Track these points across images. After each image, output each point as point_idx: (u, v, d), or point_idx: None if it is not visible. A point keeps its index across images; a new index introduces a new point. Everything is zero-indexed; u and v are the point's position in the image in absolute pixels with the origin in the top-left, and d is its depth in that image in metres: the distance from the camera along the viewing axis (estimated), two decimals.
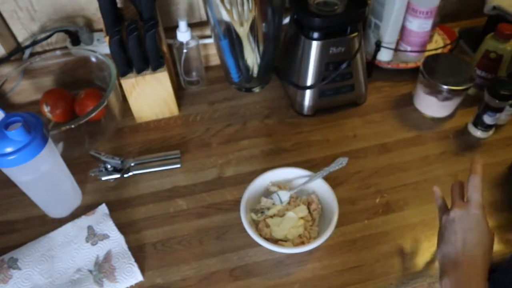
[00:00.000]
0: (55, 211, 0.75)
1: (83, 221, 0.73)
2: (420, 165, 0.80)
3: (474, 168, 0.62)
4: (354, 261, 0.68)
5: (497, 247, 0.68)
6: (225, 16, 0.81)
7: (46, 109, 0.85)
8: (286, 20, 0.91)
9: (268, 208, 0.71)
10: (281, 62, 0.93)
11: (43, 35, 0.90)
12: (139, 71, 0.82)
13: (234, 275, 0.67)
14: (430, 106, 0.87)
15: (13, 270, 0.67)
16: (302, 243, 0.67)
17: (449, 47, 0.99)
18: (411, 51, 0.96)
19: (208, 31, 0.96)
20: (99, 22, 0.93)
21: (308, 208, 0.71)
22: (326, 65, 0.83)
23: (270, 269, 0.67)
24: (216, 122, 0.90)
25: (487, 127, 0.83)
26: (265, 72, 0.93)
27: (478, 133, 0.84)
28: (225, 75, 0.97)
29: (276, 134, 0.87)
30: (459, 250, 0.58)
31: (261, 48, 0.87)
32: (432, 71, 0.84)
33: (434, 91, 0.84)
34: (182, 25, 0.86)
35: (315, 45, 0.81)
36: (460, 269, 0.56)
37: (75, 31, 0.90)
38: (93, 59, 0.86)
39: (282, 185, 0.74)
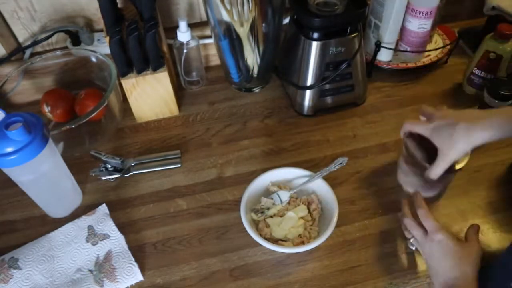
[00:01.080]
0: (56, 211, 0.75)
1: (84, 221, 0.73)
2: None
3: (416, 202, 0.65)
4: (354, 261, 0.68)
5: (498, 245, 0.68)
6: (225, 16, 0.81)
7: (46, 109, 0.85)
8: (286, 20, 0.91)
9: (268, 208, 0.71)
10: (281, 62, 0.94)
11: (43, 35, 0.90)
12: (140, 71, 0.82)
13: (234, 275, 0.67)
14: (416, 186, 0.73)
15: (13, 270, 0.67)
16: (302, 243, 0.67)
17: (448, 47, 0.99)
18: (411, 51, 0.96)
19: (208, 31, 0.97)
20: (99, 22, 0.94)
21: (308, 208, 0.72)
22: (326, 65, 0.84)
23: (270, 269, 0.68)
24: (216, 122, 0.90)
25: None
26: (265, 72, 0.93)
27: None
28: (225, 75, 0.97)
29: (276, 134, 0.87)
30: (442, 281, 0.59)
31: (261, 48, 0.87)
32: (418, 148, 0.69)
33: (418, 170, 0.69)
34: (182, 25, 0.86)
35: (315, 45, 0.81)
36: None
37: (75, 31, 0.90)
38: (94, 59, 0.86)
39: (282, 185, 0.75)
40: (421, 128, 0.65)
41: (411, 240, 0.67)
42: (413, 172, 0.71)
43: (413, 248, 0.67)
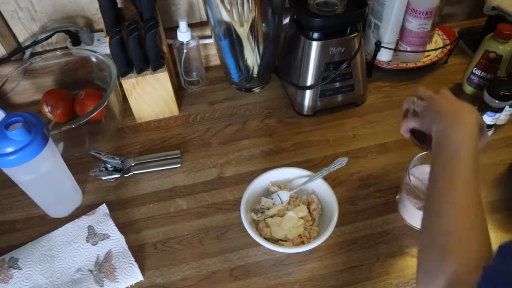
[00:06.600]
0: (56, 211, 0.75)
1: (84, 221, 0.73)
2: None
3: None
4: (354, 261, 0.68)
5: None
6: (225, 16, 0.81)
7: (46, 109, 0.85)
8: (286, 20, 0.91)
9: (268, 208, 0.71)
10: (281, 62, 0.94)
11: (43, 35, 0.90)
12: (140, 71, 0.82)
13: (234, 274, 0.67)
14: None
15: (13, 270, 0.67)
16: (302, 243, 0.67)
17: (448, 47, 0.99)
18: (411, 51, 0.96)
19: (208, 31, 0.97)
20: (99, 22, 0.94)
21: (308, 208, 0.72)
22: (326, 65, 0.84)
23: (270, 269, 0.68)
24: (216, 122, 0.90)
25: (486, 127, 0.83)
26: (265, 72, 0.93)
27: None
28: (225, 75, 0.97)
29: (276, 134, 0.87)
30: (453, 104, 0.58)
31: (261, 48, 0.87)
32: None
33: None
34: (182, 25, 0.86)
35: (315, 45, 0.81)
36: (457, 113, 0.56)
37: (75, 31, 0.90)
38: (94, 59, 0.86)
39: (282, 185, 0.75)
40: (414, 123, 0.63)
41: (409, 102, 0.65)
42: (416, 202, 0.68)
43: (412, 106, 0.64)
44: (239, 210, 0.68)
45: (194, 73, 0.95)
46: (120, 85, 0.84)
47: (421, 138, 0.64)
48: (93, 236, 0.71)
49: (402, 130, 0.66)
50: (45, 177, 0.68)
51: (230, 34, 0.84)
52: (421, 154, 0.70)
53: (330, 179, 0.74)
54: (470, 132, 0.55)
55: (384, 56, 0.97)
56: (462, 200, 0.51)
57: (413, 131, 0.66)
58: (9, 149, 0.60)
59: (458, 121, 0.56)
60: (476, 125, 0.56)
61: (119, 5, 0.83)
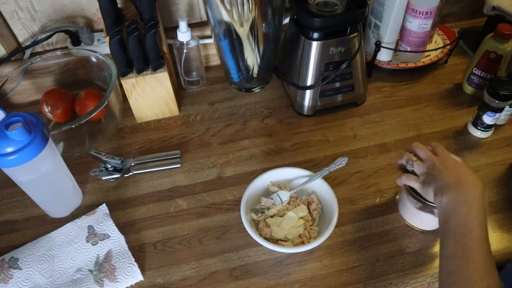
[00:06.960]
0: (56, 211, 0.75)
1: (84, 221, 0.73)
2: None
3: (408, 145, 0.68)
4: (354, 261, 0.68)
5: (499, 245, 0.68)
6: (225, 16, 0.81)
7: (46, 109, 0.85)
8: (286, 20, 0.91)
9: (268, 208, 0.71)
10: (281, 62, 0.94)
11: (43, 35, 0.90)
12: (140, 71, 0.82)
13: (234, 274, 0.67)
14: (425, 221, 0.70)
15: (13, 270, 0.67)
16: (302, 243, 0.67)
17: (448, 47, 0.99)
18: (411, 51, 0.96)
19: (208, 31, 0.97)
20: (99, 22, 0.94)
21: (308, 208, 0.72)
22: (326, 65, 0.84)
23: (270, 269, 0.68)
24: (216, 122, 0.90)
25: (486, 127, 0.83)
26: (265, 72, 0.93)
27: (477, 133, 0.84)
28: (225, 75, 0.97)
29: (276, 134, 0.87)
30: (457, 174, 0.58)
31: (261, 48, 0.87)
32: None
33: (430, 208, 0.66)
34: (182, 25, 0.86)
35: (315, 45, 0.81)
36: (462, 186, 0.56)
37: (75, 31, 0.90)
38: (94, 59, 0.86)
39: (282, 185, 0.75)
40: (414, 184, 0.64)
41: (409, 163, 0.66)
42: (421, 208, 0.68)
43: (411, 168, 0.65)
44: (239, 210, 0.68)
45: (194, 73, 0.95)
46: (120, 85, 0.84)
47: (414, 189, 0.66)
48: (93, 236, 0.71)
49: (400, 183, 0.67)
50: (45, 177, 0.68)
51: (230, 34, 0.84)
52: None
53: (330, 179, 0.74)
54: (479, 206, 0.55)
55: (384, 56, 0.97)
56: (477, 276, 0.51)
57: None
58: (9, 149, 0.60)
59: (466, 195, 0.56)
60: (484, 195, 0.56)
61: (119, 5, 0.83)
